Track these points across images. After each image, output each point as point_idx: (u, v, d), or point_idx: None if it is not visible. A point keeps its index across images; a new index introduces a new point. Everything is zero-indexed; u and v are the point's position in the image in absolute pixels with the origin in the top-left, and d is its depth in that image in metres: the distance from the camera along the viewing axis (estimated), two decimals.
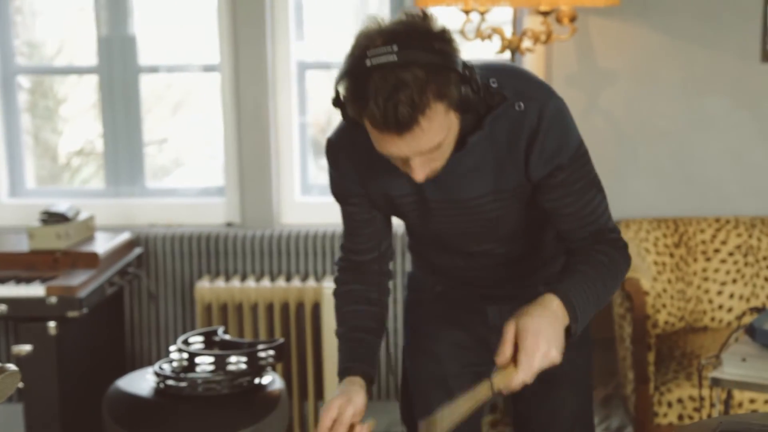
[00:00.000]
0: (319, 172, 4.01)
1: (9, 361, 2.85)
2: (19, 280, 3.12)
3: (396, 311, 3.66)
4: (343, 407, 1.76)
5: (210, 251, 3.79)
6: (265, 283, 3.64)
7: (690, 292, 3.61)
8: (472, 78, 1.56)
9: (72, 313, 3.03)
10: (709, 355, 2.43)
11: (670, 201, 3.81)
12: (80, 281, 3.10)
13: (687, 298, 3.59)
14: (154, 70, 4.01)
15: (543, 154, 1.70)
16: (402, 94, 1.48)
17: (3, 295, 3.05)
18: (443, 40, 1.55)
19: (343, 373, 1.86)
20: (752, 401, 3.15)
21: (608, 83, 3.76)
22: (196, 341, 2.66)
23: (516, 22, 3.49)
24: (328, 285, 3.52)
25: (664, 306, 3.53)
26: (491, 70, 1.70)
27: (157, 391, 2.51)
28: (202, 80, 4.10)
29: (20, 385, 1.89)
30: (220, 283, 3.65)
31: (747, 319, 3.24)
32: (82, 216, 3.49)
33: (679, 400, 3.17)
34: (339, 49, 3.97)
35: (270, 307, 3.63)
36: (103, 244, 3.41)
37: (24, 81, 4.11)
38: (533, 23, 3.51)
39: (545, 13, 3.29)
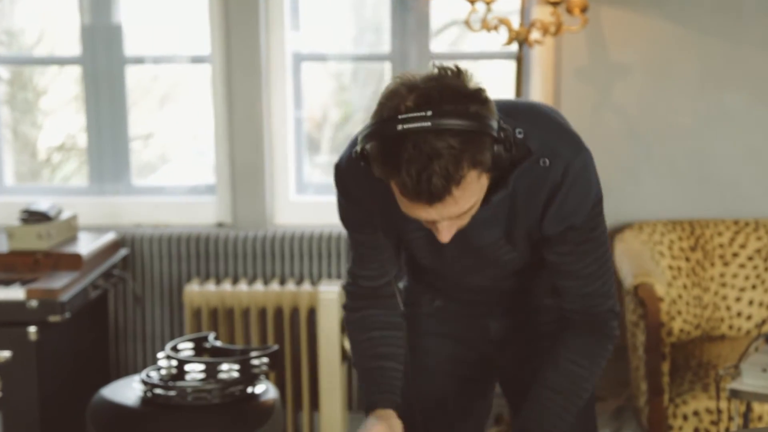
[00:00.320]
0: (315, 169, 4.02)
1: None
2: None
3: None
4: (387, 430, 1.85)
5: (200, 253, 3.80)
6: (258, 286, 3.65)
7: (707, 298, 3.62)
8: (506, 139, 1.57)
9: (53, 318, 3.04)
10: (727, 365, 2.44)
11: (685, 202, 3.82)
12: (62, 284, 3.10)
13: (704, 305, 3.61)
14: (139, 61, 4.02)
15: (560, 213, 1.73)
16: (436, 164, 1.49)
17: None
18: (479, 101, 1.55)
19: (371, 406, 1.91)
20: None
21: (621, 77, 3.77)
22: (186, 348, 2.66)
23: (524, 12, 3.50)
24: (324, 289, 3.53)
25: (679, 313, 3.54)
26: (517, 116, 1.70)
27: (144, 400, 2.52)
28: (191, 72, 4.10)
29: None
30: (211, 286, 3.65)
31: (767, 328, 3.25)
32: (65, 215, 3.49)
33: (696, 413, 3.18)
34: (336, 40, 4.01)
35: (263, 313, 3.64)
36: (86, 245, 3.42)
37: (2, 71, 4.11)
38: (542, 14, 3.53)
39: (555, 3, 3.30)
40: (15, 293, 3.04)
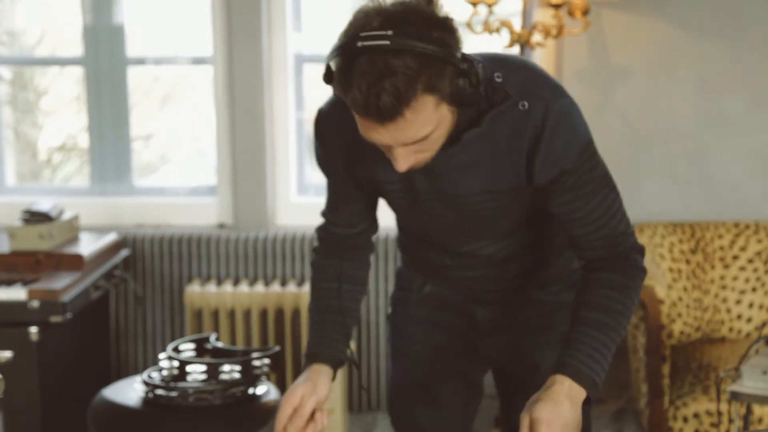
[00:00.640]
0: (316, 171, 4.01)
1: None
2: None
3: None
4: (306, 397, 1.82)
5: (201, 254, 3.81)
6: (259, 287, 3.66)
7: (707, 300, 3.63)
8: (471, 72, 1.56)
9: (55, 318, 3.04)
10: (727, 367, 2.45)
11: (686, 204, 3.83)
12: (64, 284, 3.10)
13: (704, 307, 3.61)
14: (141, 61, 4.02)
15: (548, 159, 1.70)
16: (387, 81, 1.49)
17: None
18: (444, 28, 1.55)
19: (310, 357, 1.91)
20: None
21: (622, 80, 3.78)
22: (187, 348, 2.67)
23: (526, 14, 3.50)
24: None
25: (679, 315, 3.55)
26: (497, 62, 1.70)
27: (146, 401, 2.52)
28: (192, 73, 4.11)
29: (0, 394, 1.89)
30: (212, 287, 3.66)
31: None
32: (66, 215, 3.50)
33: (696, 415, 3.19)
34: None
35: (264, 314, 3.65)
36: (88, 246, 3.42)
37: (3, 72, 4.12)
38: (544, 16, 3.53)
39: (556, 6, 3.31)
40: (16, 293, 3.05)
